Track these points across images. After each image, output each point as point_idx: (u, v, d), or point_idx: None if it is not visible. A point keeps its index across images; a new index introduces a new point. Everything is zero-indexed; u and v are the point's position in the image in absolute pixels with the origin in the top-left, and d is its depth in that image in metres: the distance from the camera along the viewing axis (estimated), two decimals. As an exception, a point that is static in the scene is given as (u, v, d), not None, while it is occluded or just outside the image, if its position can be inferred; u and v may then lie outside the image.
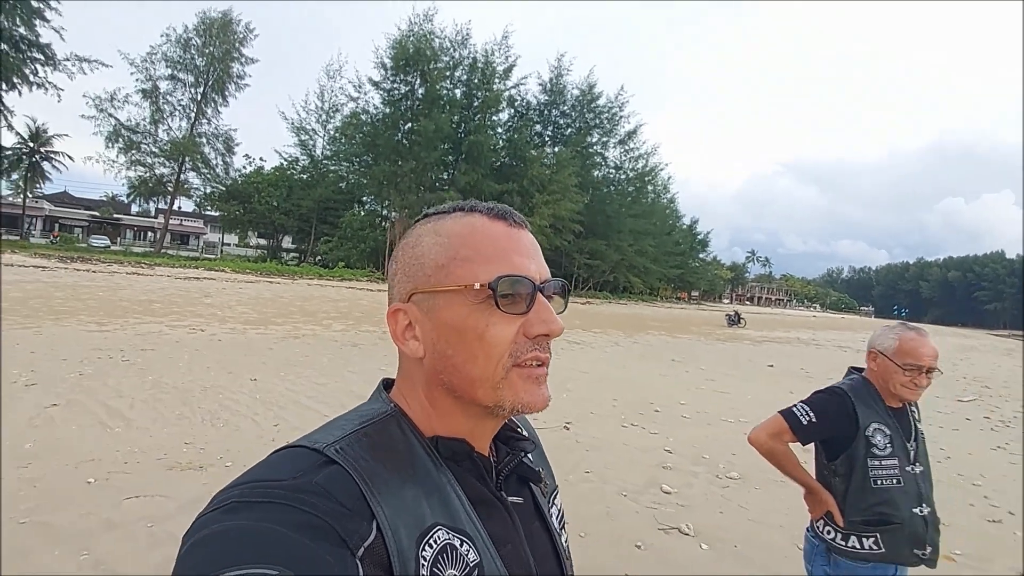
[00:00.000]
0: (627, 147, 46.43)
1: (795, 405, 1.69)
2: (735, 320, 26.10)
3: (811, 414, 1.64)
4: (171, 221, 38.09)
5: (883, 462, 1.57)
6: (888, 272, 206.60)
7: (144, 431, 4.14)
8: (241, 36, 34.40)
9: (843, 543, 1.61)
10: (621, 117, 44.21)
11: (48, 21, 27.29)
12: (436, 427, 0.54)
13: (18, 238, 30.20)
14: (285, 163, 39.46)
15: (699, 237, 66.05)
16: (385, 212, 36.82)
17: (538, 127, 43.72)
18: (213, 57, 33.12)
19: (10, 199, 34.03)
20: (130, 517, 2.83)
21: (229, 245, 56.06)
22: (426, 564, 0.45)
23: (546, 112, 43.50)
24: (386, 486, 0.46)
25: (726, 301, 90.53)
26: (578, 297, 36.33)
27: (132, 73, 31.70)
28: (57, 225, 40.85)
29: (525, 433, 0.65)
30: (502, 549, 0.51)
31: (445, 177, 35.14)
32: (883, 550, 1.56)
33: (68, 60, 28.24)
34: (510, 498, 0.57)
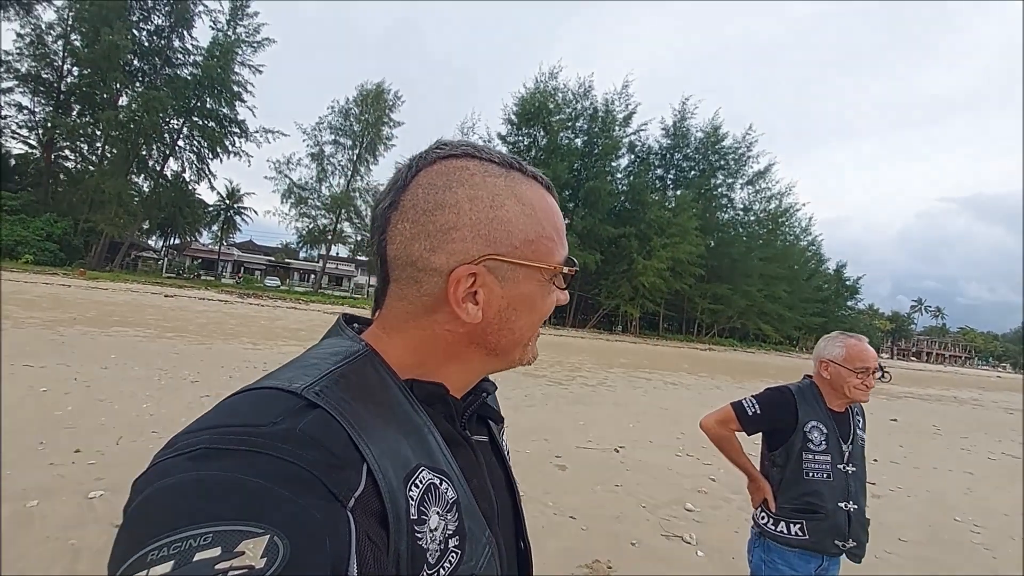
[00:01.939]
0: (756, 187, 44.19)
1: (744, 398, 1.85)
2: (881, 375, 22.84)
3: (756, 406, 1.80)
4: (329, 265, 44.33)
5: (816, 457, 1.70)
6: None
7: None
8: (391, 103, 39.98)
9: (773, 528, 1.75)
10: (748, 157, 42.56)
11: (244, 102, 34.50)
12: (421, 372, 0.52)
13: (213, 278, 37.53)
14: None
15: (847, 283, 59.16)
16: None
17: (659, 171, 43.62)
18: (367, 123, 38.80)
19: (209, 246, 42.40)
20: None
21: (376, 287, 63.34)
22: (413, 504, 0.43)
23: (667, 156, 43.33)
24: (371, 429, 0.44)
25: (885, 355, 78.88)
26: (699, 343, 34.51)
27: (304, 140, 38.48)
28: (242, 268, 49.64)
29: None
30: (471, 484, 0.51)
31: (566, 223, 36.37)
32: (807, 537, 1.68)
33: (258, 132, 35.32)
34: (474, 437, 0.58)
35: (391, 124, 40.29)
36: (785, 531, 1.72)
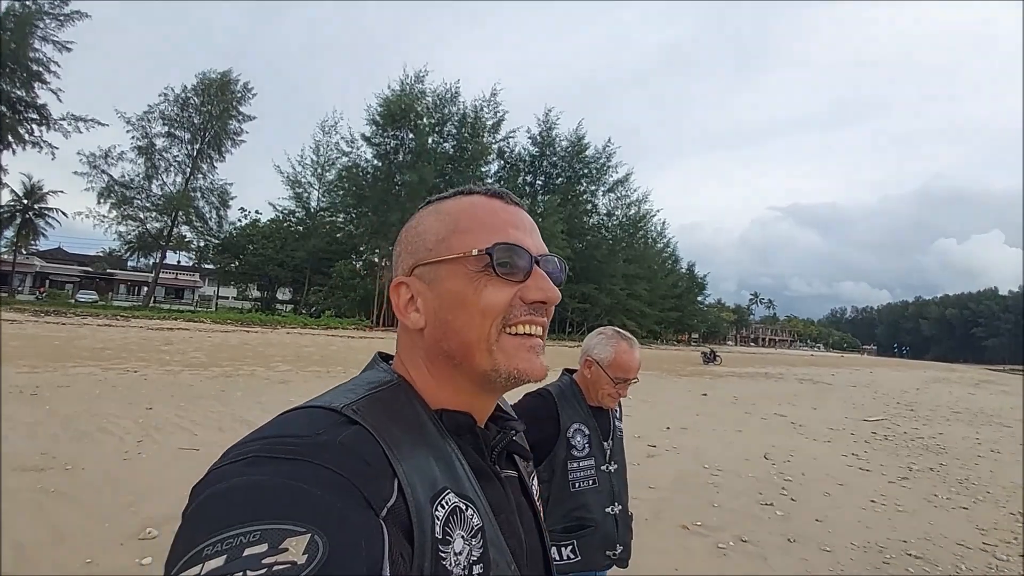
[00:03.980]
0: (617, 194, 47.31)
1: None
2: (711, 358, 26.61)
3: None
4: (166, 275, 38.43)
5: (581, 464, 1.56)
6: (890, 311, 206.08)
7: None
8: (239, 95, 35.80)
9: None
10: (609, 167, 45.46)
11: (47, 83, 28.56)
12: (441, 399, 0.55)
13: (6, 295, 30.37)
14: (280, 215, 40.23)
15: (698, 280, 65.93)
16: (376, 260, 37.08)
17: (528, 177, 44.75)
18: (211, 115, 34.32)
19: (2, 255, 34.52)
20: None
21: (227, 298, 56.40)
22: (439, 523, 0.45)
23: (536, 163, 44.65)
24: (402, 448, 0.46)
25: (730, 343, 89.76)
26: (571, 341, 35.74)
27: (128, 131, 32.77)
28: (47, 281, 41.19)
29: (514, 415, 0.68)
30: (499, 517, 0.52)
31: (434, 226, 35.50)
32: (579, 558, 1.51)
33: (64, 119, 29.27)
34: (503, 472, 0.59)
35: (240, 118, 36.09)
36: (557, 557, 1.48)
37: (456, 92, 36.94)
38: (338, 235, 39.07)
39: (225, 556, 0.34)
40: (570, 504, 1.53)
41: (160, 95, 33.49)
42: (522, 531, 0.56)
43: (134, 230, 32.78)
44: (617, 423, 1.71)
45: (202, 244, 36.75)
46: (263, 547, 0.34)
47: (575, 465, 1.55)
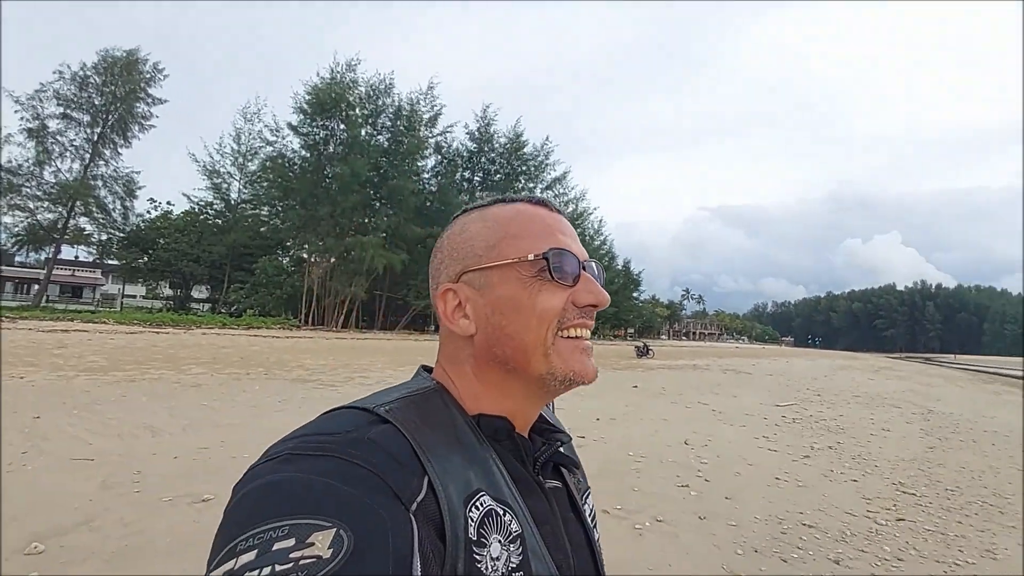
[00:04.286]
0: (555, 192, 48.01)
1: None
2: (644, 352, 27.36)
3: None
4: (61, 271, 34.82)
5: None
6: (805, 306, 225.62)
7: None
8: (148, 76, 32.99)
9: None
10: (547, 164, 46.01)
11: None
12: (482, 405, 0.55)
13: None
14: (196, 207, 37.51)
15: (633, 276, 68.30)
16: (305, 256, 35.48)
17: (467, 173, 44.46)
18: (114, 96, 31.40)
19: None
20: None
21: (135, 297, 51.90)
22: (473, 525, 0.45)
23: (474, 159, 44.43)
24: (435, 450, 0.47)
25: (664, 337, 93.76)
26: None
27: (17, 111, 29.35)
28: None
29: (562, 429, 0.67)
30: (542, 528, 0.51)
31: (367, 221, 34.43)
32: None
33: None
34: (547, 483, 0.58)
35: (149, 101, 33.30)
36: None
37: (391, 84, 35.91)
38: (262, 229, 37.01)
39: (256, 551, 0.35)
40: None
41: (55, 72, 30.25)
42: (569, 547, 0.54)
43: (22, 221, 29.46)
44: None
45: (104, 238, 33.62)
46: (291, 541, 0.36)
47: None
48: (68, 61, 39.94)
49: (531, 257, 0.54)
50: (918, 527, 4.09)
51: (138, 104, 32.74)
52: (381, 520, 0.39)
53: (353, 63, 33.96)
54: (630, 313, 65.97)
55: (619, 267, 65.58)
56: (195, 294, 41.20)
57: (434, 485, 0.44)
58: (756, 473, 5.46)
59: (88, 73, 30.81)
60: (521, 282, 0.54)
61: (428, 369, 0.62)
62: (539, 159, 45.59)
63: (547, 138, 48.72)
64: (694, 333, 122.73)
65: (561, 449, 0.62)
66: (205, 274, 36.63)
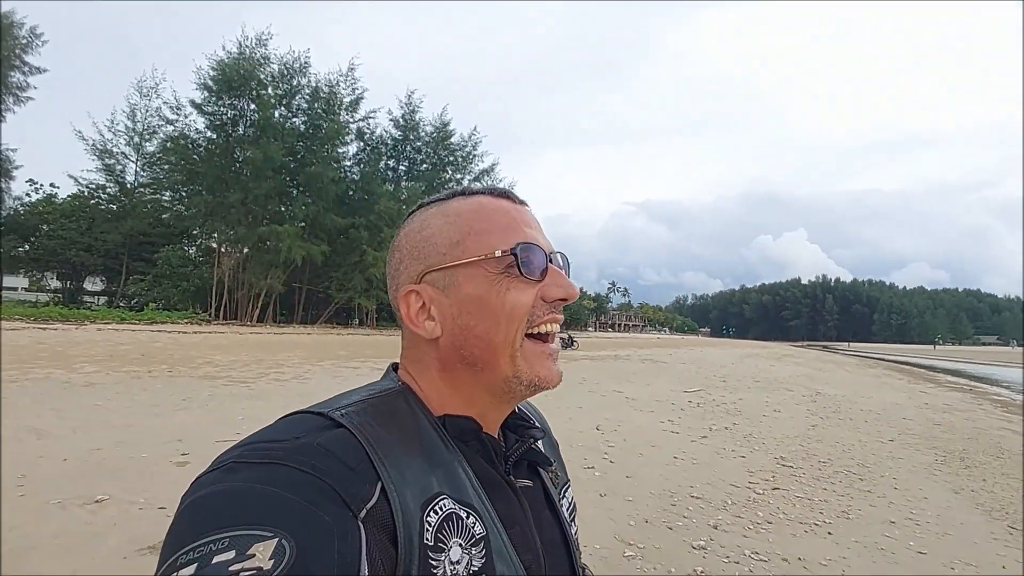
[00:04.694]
0: (484, 184, 47.69)
1: None
2: (568, 343, 28.18)
3: None
4: (-84, 260, 30.26)
5: None
6: (721, 298, 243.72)
7: None
8: (24, 41, 29.25)
9: None
10: (475, 155, 45.61)
11: None
12: (448, 407, 0.54)
13: None
14: (86, 191, 33.77)
15: (558, 269, 69.99)
16: (214, 246, 33.09)
17: (391, 162, 43.25)
18: (-19, 63, 27.64)
19: None
20: None
21: (16, 290, 46.22)
22: (430, 530, 0.44)
23: (399, 147, 43.26)
24: (393, 453, 0.45)
25: (590, 329, 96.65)
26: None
27: None
28: None
29: (536, 423, 0.66)
30: (510, 530, 0.50)
31: (282, 209, 32.67)
32: None
33: None
34: (519, 481, 0.56)
35: (26, 69, 29.56)
36: None
37: (307, 62, 33.74)
38: (164, 216, 34.08)
39: (196, 564, 0.35)
40: None
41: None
42: (540, 546, 0.53)
43: None
44: None
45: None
46: (231, 554, 0.35)
47: None
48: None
49: (498, 253, 0.52)
50: (790, 494, 4.62)
51: (12, 73, 28.94)
52: (326, 527, 0.38)
53: (264, 38, 31.58)
54: (556, 304, 67.82)
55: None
56: (88, 286, 37.22)
57: (387, 490, 0.43)
58: (657, 454, 5.88)
59: (-54, 33, 26.87)
60: (488, 280, 0.52)
61: (397, 368, 0.60)
62: (467, 150, 44.85)
63: (475, 128, 48.09)
64: (619, 325, 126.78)
65: (539, 445, 0.62)
66: (99, 264, 33.20)
